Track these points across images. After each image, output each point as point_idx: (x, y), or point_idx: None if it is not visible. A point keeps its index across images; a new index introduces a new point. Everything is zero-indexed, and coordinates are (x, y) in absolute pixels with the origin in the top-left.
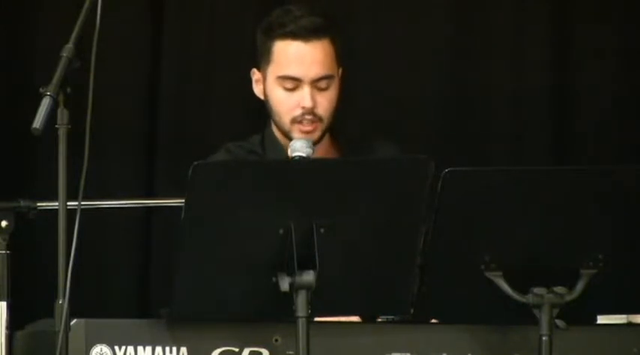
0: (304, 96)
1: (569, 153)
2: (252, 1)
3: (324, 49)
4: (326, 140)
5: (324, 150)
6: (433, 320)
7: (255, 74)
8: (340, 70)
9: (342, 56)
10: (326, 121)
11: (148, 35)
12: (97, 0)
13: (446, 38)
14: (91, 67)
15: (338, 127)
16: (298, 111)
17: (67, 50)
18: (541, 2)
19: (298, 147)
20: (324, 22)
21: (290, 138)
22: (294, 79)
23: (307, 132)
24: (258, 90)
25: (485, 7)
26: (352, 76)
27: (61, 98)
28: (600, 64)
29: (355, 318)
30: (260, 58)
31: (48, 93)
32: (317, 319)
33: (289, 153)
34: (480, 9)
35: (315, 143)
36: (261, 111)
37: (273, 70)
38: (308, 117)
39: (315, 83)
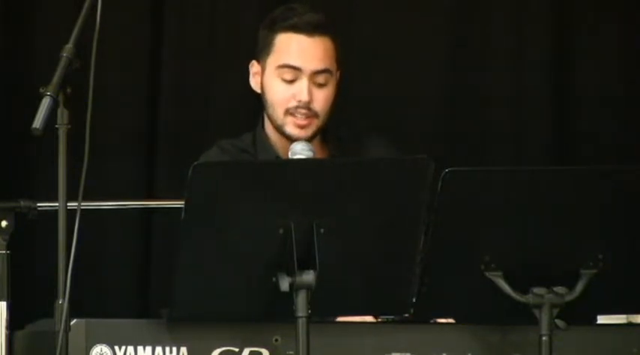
0: (302, 89)
1: (569, 153)
2: (253, 1)
3: (325, 46)
4: (316, 139)
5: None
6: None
7: (254, 66)
8: (339, 73)
9: (342, 60)
10: (321, 119)
11: (147, 35)
12: (97, 0)
13: (446, 38)
14: (91, 67)
15: (328, 126)
16: (293, 103)
17: (67, 50)
18: (541, 2)
19: (299, 150)
20: (327, 21)
21: (283, 133)
22: (294, 69)
23: (301, 127)
24: (254, 82)
25: (485, 8)
26: (352, 76)
27: (61, 98)
28: (600, 64)
29: (369, 318)
30: (261, 51)
31: (48, 93)
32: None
33: (289, 155)
34: (480, 9)
35: (308, 140)
36: (259, 110)
37: (274, 60)
38: (303, 111)
39: (313, 77)
